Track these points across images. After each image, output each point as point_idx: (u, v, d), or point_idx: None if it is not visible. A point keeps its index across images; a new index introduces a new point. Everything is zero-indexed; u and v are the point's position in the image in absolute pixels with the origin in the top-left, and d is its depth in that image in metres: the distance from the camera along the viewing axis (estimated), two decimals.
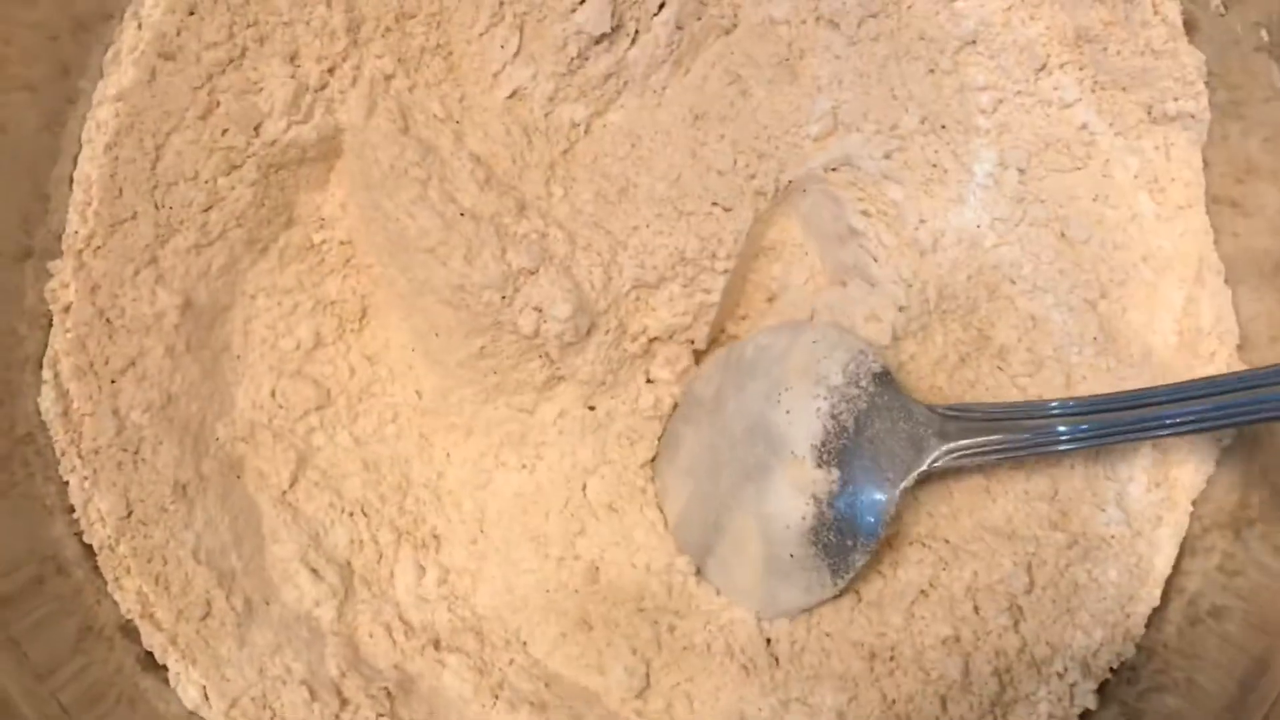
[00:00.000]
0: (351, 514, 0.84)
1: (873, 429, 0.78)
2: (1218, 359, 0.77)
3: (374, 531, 0.84)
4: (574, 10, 0.81)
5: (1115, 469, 0.78)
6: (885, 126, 0.81)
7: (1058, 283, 0.80)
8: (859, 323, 0.82)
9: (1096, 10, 0.79)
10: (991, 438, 0.76)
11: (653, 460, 0.86)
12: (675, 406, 0.86)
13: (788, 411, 0.79)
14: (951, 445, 0.76)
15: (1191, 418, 0.70)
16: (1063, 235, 0.80)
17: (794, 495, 0.78)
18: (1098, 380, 0.78)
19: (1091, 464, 0.78)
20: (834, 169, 0.83)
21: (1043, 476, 0.79)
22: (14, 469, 0.75)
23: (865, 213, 0.83)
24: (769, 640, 0.81)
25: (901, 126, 0.81)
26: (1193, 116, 0.78)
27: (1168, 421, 0.71)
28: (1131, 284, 0.79)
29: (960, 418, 0.77)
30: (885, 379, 0.78)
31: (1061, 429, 0.74)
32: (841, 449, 0.78)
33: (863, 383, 0.79)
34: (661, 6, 0.83)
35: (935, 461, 0.76)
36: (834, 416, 0.78)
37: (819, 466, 0.78)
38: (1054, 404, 0.75)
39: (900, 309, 0.82)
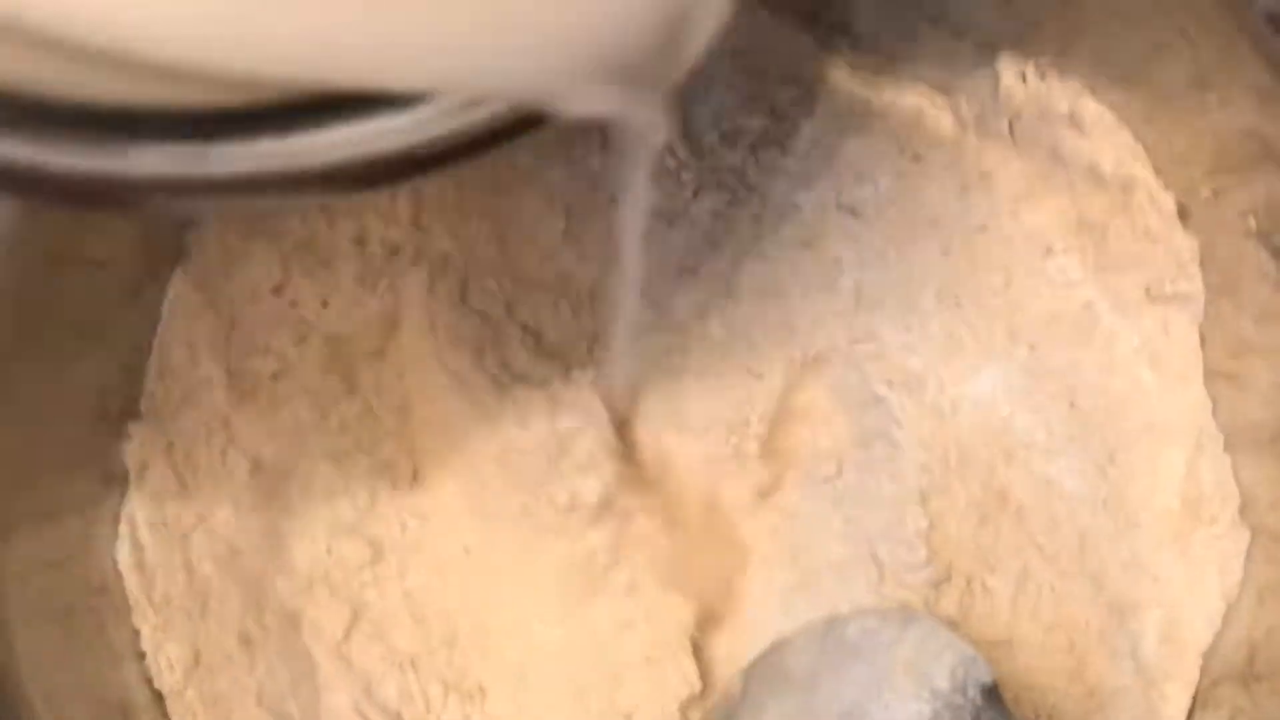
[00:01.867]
0: (402, 666, 0.90)
1: None
2: (1220, 521, 0.84)
3: (423, 684, 0.90)
4: (613, 200, 0.90)
5: (1127, 623, 0.84)
6: (905, 303, 0.90)
7: (1069, 449, 0.87)
8: (884, 481, 0.90)
9: (1096, 199, 0.88)
10: None
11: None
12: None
13: (886, 706, 0.77)
14: None
15: None
16: (1072, 405, 0.88)
17: None
18: (1109, 542, 0.85)
19: (1106, 617, 0.85)
20: (858, 342, 0.91)
21: (1060, 631, 0.86)
22: (86, 618, 0.82)
23: (889, 382, 0.91)
24: None
25: (920, 303, 0.90)
26: (1188, 296, 0.86)
27: None
28: (1137, 451, 0.87)
29: None
30: (993, 694, 0.77)
31: None
32: None
33: (970, 693, 0.77)
34: (697, 191, 0.92)
35: None
36: None
37: None
38: None
39: (923, 469, 0.89)
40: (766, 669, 0.85)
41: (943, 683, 0.77)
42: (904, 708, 0.76)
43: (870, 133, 0.93)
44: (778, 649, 0.85)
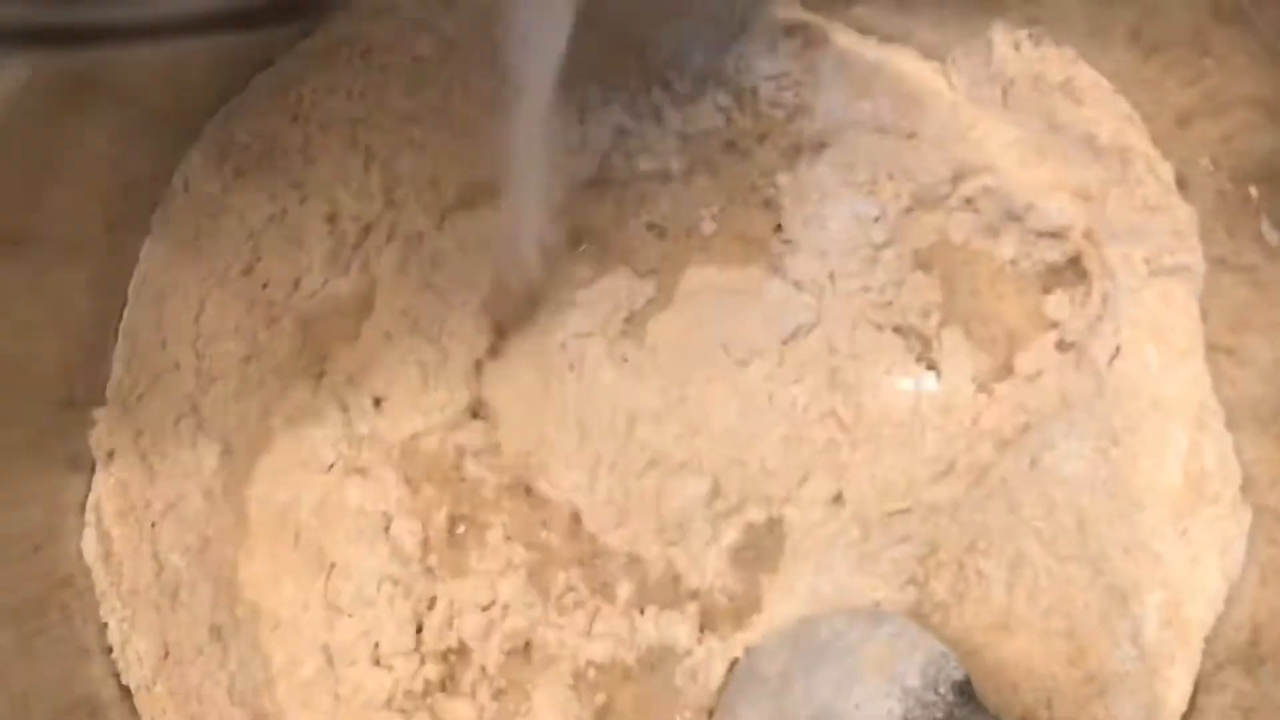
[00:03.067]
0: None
1: None
2: (1222, 500, 0.83)
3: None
4: None
5: (1128, 606, 0.84)
6: None
7: (1069, 434, 0.86)
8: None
9: (1094, 170, 0.87)
10: None
11: None
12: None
13: (857, 706, 0.79)
14: None
15: None
16: (1070, 389, 0.87)
17: None
18: (1108, 524, 0.84)
19: (1106, 600, 0.84)
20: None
21: (1059, 615, 0.85)
22: (51, 612, 0.81)
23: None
24: None
25: None
26: (1188, 269, 0.85)
27: None
28: (1142, 431, 0.86)
29: None
30: (966, 688, 0.78)
31: None
32: None
33: (941, 689, 0.78)
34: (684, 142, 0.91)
35: None
36: None
37: None
38: None
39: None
40: (739, 672, 0.86)
41: (914, 680, 0.78)
42: (875, 706, 0.77)
43: (861, 87, 0.92)
44: (750, 653, 0.86)
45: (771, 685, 0.84)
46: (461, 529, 0.88)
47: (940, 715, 0.77)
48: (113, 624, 0.82)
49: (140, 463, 0.84)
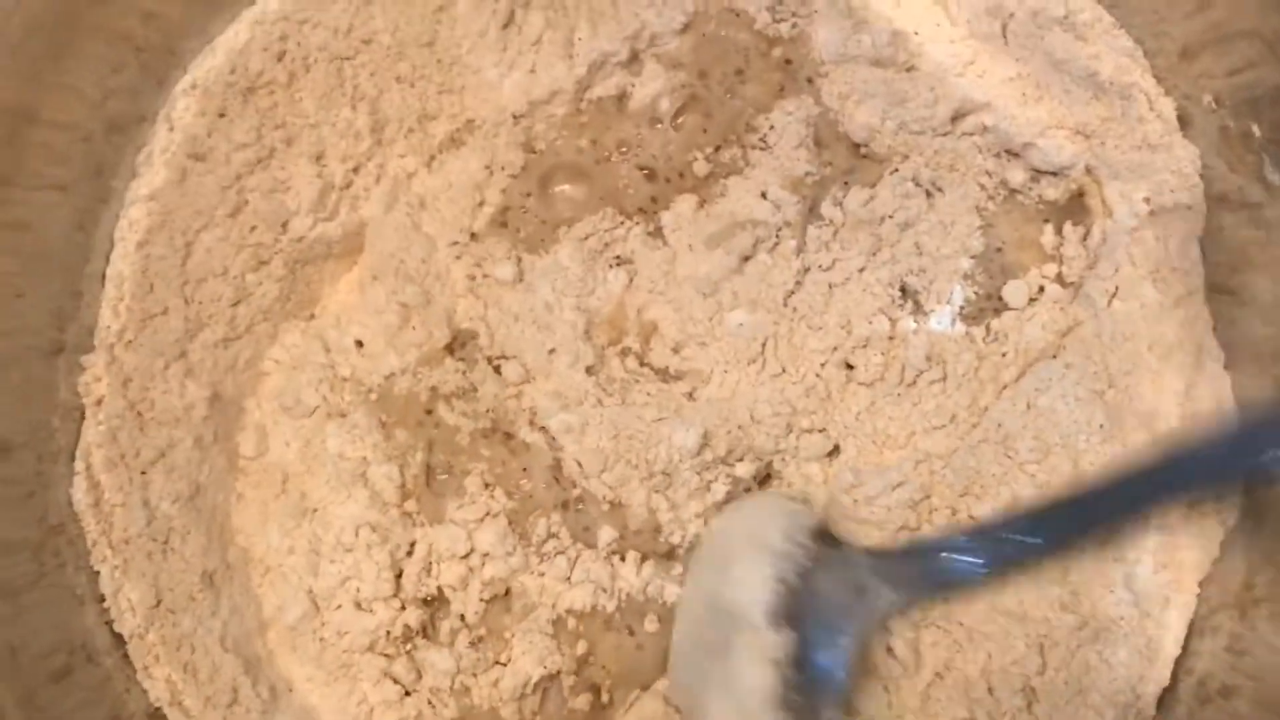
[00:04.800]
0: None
1: (819, 584, 0.82)
2: None
3: None
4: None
5: (1123, 551, 0.83)
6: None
7: (1064, 376, 0.85)
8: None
9: (1094, 107, 0.85)
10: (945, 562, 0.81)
11: None
12: None
13: (738, 581, 0.82)
14: (897, 584, 0.82)
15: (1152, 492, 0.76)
16: (1070, 332, 0.87)
17: (756, 664, 0.80)
18: (1104, 467, 0.83)
19: (1100, 546, 0.83)
20: None
21: (1054, 559, 0.84)
22: (45, 559, 0.81)
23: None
24: None
25: None
26: (1189, 208, 0.84)
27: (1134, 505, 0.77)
28: (1138, 372, 0.85)
29: (900, 555, 0.82)
30: (820, 532, 0.83)
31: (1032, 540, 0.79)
32: (793, 609, 0.81)
33: (800, 539, 0.82)
34: None
35: (883, 602, 0.82)
36: (780, 579, 0.81)
37: (775, 630, 0.80)
38: (1018, 516, 0.80)
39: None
40: None
41: (777, 542, 0.82)
42: (751, 574, 0.81)
43: (858, 19, 0.90)
44: None
45: (679, 608, 0.87)
46: (443, 476, 0.87)
47: (806, 563, 0.81)
48: (104, 572, 0.81)
49: (129, 410, 0.83)
